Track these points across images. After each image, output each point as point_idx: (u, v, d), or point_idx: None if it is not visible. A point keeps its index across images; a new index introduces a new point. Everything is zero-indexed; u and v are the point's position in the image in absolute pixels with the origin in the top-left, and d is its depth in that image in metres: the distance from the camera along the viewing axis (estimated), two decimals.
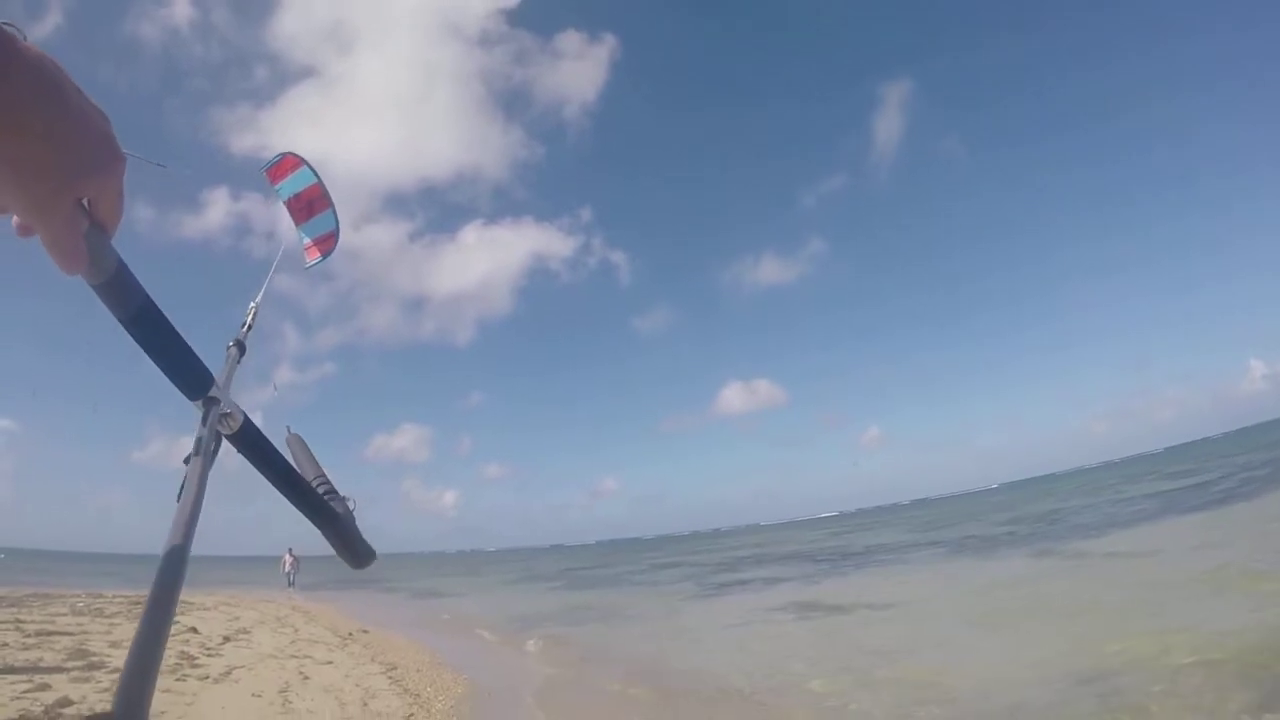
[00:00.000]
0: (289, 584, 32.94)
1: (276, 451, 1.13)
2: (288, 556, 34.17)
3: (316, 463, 1.29)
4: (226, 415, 1.03)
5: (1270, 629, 8.63)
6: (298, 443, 1.32)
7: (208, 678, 9.18)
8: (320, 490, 1.22)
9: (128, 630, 12.75)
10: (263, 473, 1.11)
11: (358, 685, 9.82)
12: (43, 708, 6.43)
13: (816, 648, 13.22)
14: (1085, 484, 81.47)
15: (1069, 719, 7.28)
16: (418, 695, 9.43)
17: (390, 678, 10.52)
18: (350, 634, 15.72)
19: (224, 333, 1.52)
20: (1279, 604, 10.00)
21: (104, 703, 5.22)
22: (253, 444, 1.09)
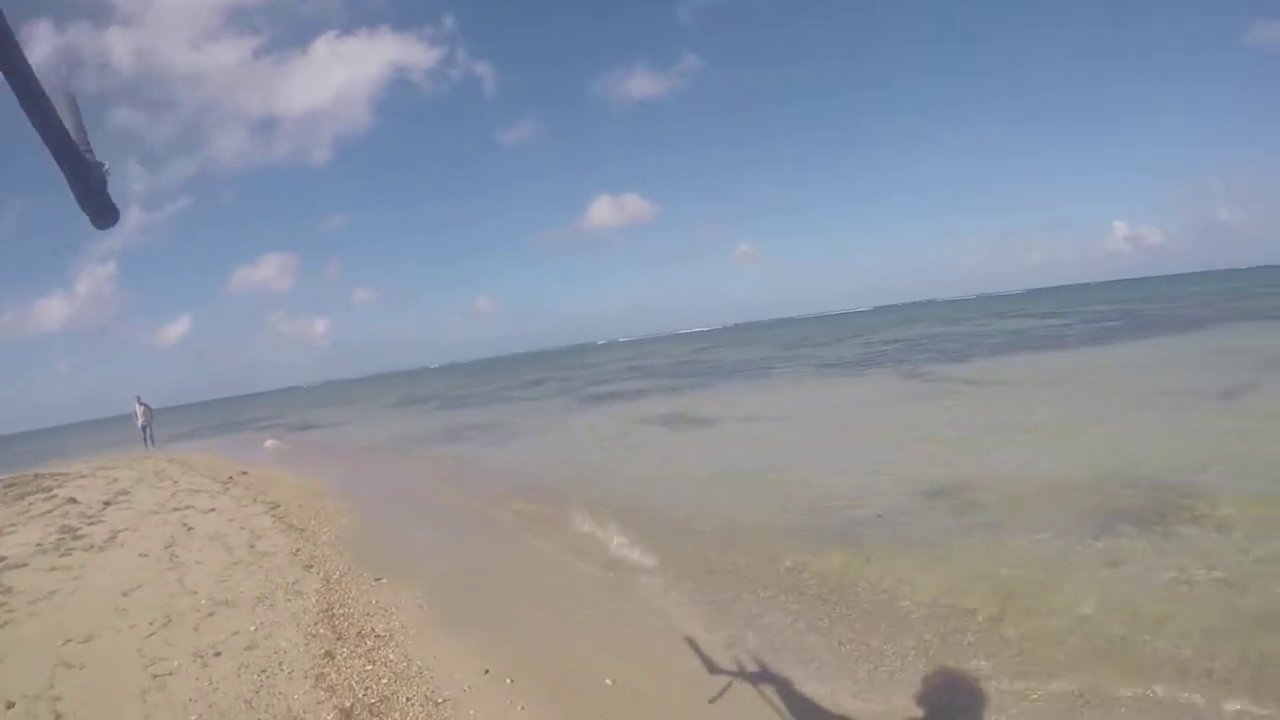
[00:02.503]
0: (146, 441, 28.91)
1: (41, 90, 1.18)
2: (137, 406, 29.59)
3: (81, 122, 1.33)
4: None
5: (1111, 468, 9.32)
6: (70, 104, 1.33)
7: (92, 546, 9.39)
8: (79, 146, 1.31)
9: (5, 515, 12.54)
10: (24, 104, 1.15)
11: (242, 528, 10.20)
12: None
13: (684, 455, 14.32)
14: (952, 314, 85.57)
15: (927, 526, 7.99)
16: (303, 530, 9.88)
17: (274, 516, 10.92)
18: (230, 477, 15.83)
19: None
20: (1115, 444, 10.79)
21: None
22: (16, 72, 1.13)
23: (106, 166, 1.33)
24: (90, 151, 1.34)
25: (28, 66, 1.15)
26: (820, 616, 6.02)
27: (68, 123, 1.29)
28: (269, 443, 26.69)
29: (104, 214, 1.37)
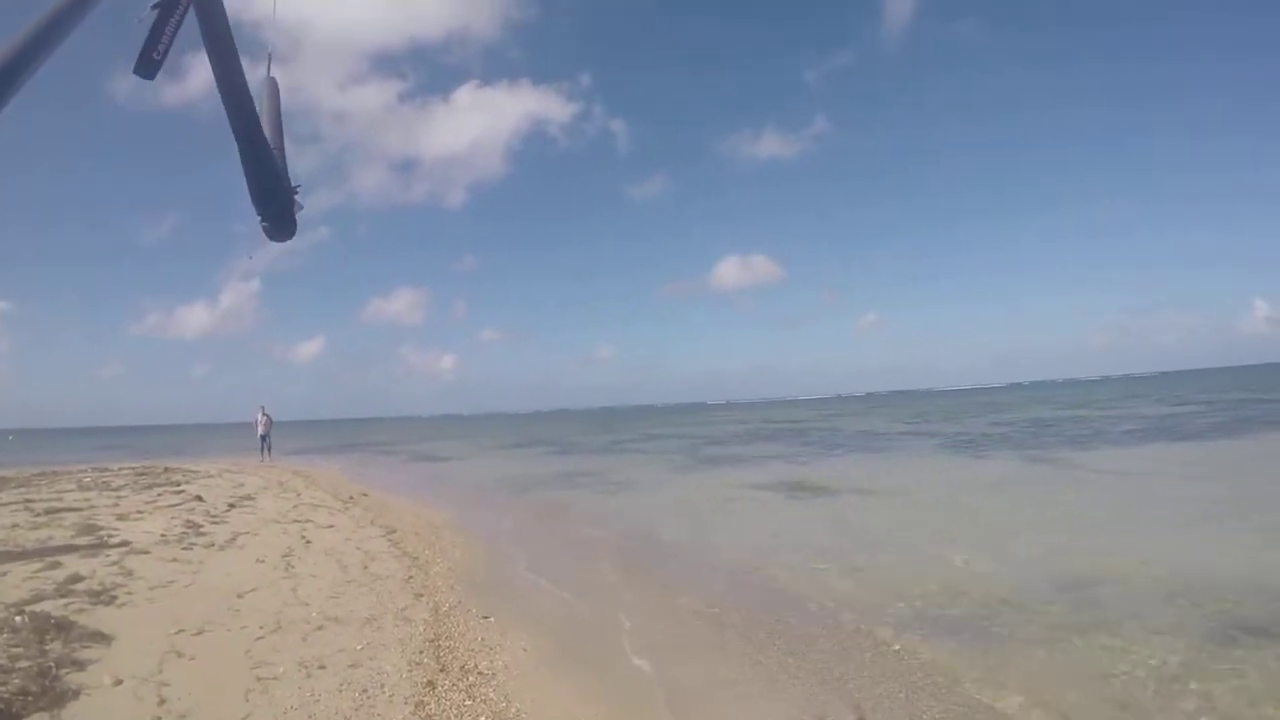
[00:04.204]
0: (263, 450, 29.06)
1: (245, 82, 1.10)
2: (260, 416, 29.76)
3: (280, 125, 1.28)
4: None
5: (1242, 573, 8.58)
6: (271, 92, 1.29)
7: (213, 545, 9.62)
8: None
9: (134, 502, 13.21)
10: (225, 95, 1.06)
11: (358, 548, 10.25)
12: (54, 585, 6.76)
13: (799, 526, 13.73)
14: (1080, 395, 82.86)
15: (1044, 619, 7.37)
16: (416, 558, 9.82)
17: (390, 540, 10.96)
18: (351, 497, 16.22)
19: None
20: (1246, 547, 9.96)
21: (113, 576, 5.52)
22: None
23: (299, 186, 1.25)
24: (281, 151, 1.24)
25: (231, 40, 1.13)
26: (921, 708, 5.48)
27: (263, 111, 1.22)
28: (397, 470, 27.40)
29: (281, 224, 1.26)
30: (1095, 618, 7.32)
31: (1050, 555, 9.99)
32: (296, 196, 1.25)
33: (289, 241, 1.26)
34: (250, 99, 1.15)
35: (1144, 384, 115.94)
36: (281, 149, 1.24)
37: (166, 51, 1.20)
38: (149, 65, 1.27)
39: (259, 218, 1.26)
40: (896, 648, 6.73)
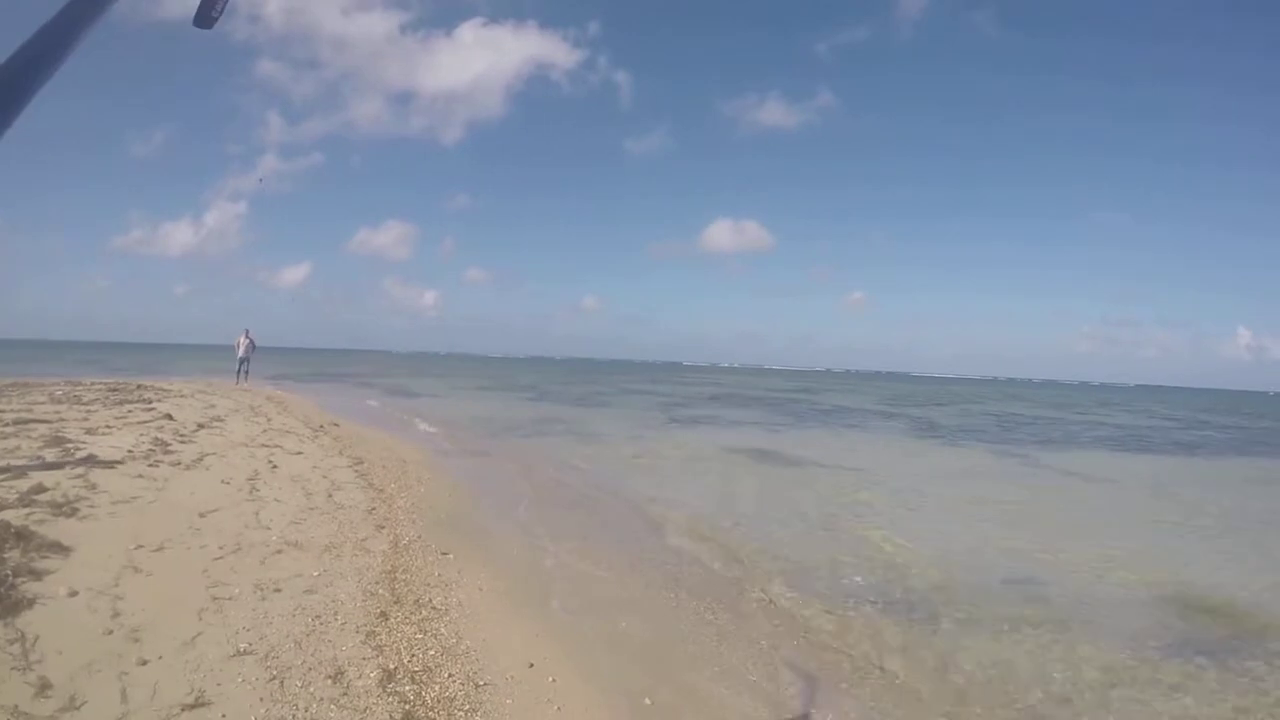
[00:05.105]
0: (239, 374, 28.88)
1: None
2: (242, 339, 29.43)
3: None
4: None
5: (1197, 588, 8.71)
6: None
7: (179, 464, 9.64)
8: None
9: (104, 417, 13.18)
10: None
11: (325, 477, 10.32)
12: (17, 495, 6.80)
13: (764, 492, 14.03)
14: (1057, 397, 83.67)
15: (992, 610, 7.51)
16: (381, 491, 9.91)
17: (357, 472, 11.02)
18: (322, 426, 16.24)
19: None
20: (1204, 564, 10.06)
21: (77, 489, 5.56)
22: None
23: None
24: None
25: None
26: (865, 678, 5.68)
27: None
28: (370, 402, 27.40)
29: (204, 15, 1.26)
30: (1022, 612, 7.48)
31: (990, 548, 10.18)
32: None
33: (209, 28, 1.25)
34: None
35: (1121, 394, 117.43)
36: None
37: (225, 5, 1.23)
38: (206, 19, 1.26)
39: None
40: (829, 623, 7.00)
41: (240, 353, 29.22)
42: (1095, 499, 15.48)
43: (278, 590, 5.56)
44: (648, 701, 4.83)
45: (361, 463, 11.82)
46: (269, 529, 7.25)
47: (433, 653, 4.94)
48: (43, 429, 10.99)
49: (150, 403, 16.51)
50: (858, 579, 8.33)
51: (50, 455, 8.95)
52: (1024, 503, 14.28)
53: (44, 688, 3.72)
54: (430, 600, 5.98)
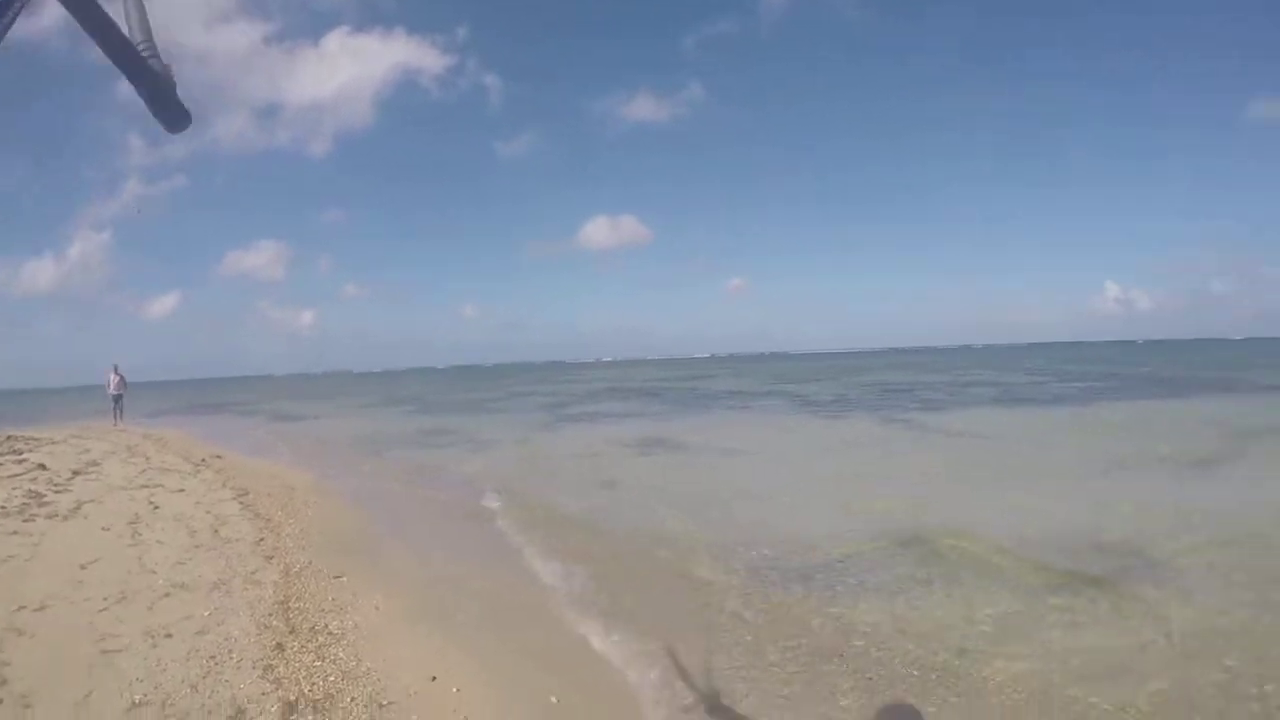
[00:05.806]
0: (115, 413, 27.19)
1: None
2: (112, 376, 27.66)
3: (148, 26, 1.25)
4: None
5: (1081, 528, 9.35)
6: (136, 3, 1.27)
7: (56, 515, 9.36)
8: (143, 51, 1.22)
9: None
10: (80, 20, 1.07)
11: (209, 512, 10.18)
12: None
13: (655, 480, 14.34)
14: (936, 362, 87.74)
15: (889, 573, 7.91)
16: (269, 520, 9.87)
17: (242, 503, 10.89)
18: (203, 460, 15.82)
19: None
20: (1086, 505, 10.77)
21: None
22: None
23: (173, 68, 1.25)
24: (156, 56, 1.26)
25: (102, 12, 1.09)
26: (771, 647, 6.06)
27: (131, 24, 1.22)
28: (252, 430, 26.60)
29: (177, 120, 1.32)
30: (914, 573, 7.93)
31: (893, 514, 10.59)
32: (173, 78, 1.26)
33: (188, 129, 1.30)
34: (111, 24, 1.17)
35: (1000, 355, 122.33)
36: (155, 51, 1.23)
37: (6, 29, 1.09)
38: None
39: (156, 120, 1.28)
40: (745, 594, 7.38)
41: (111, 390, 27.69)
42: (971, 455, 16.42)
43: (169, 635, 5.60)
44: (553, 700, 5.10)
45: (246, 493, 11.66)
46: (154, 573, 7.19)
47: (333, 679, 5.09)
48: None
49: (21, 454, 15.67)
50: (753, 554, 8.76)
51: None
52: (905, 464, 15.23)
53: None
54: (326, 626, 6.11)
